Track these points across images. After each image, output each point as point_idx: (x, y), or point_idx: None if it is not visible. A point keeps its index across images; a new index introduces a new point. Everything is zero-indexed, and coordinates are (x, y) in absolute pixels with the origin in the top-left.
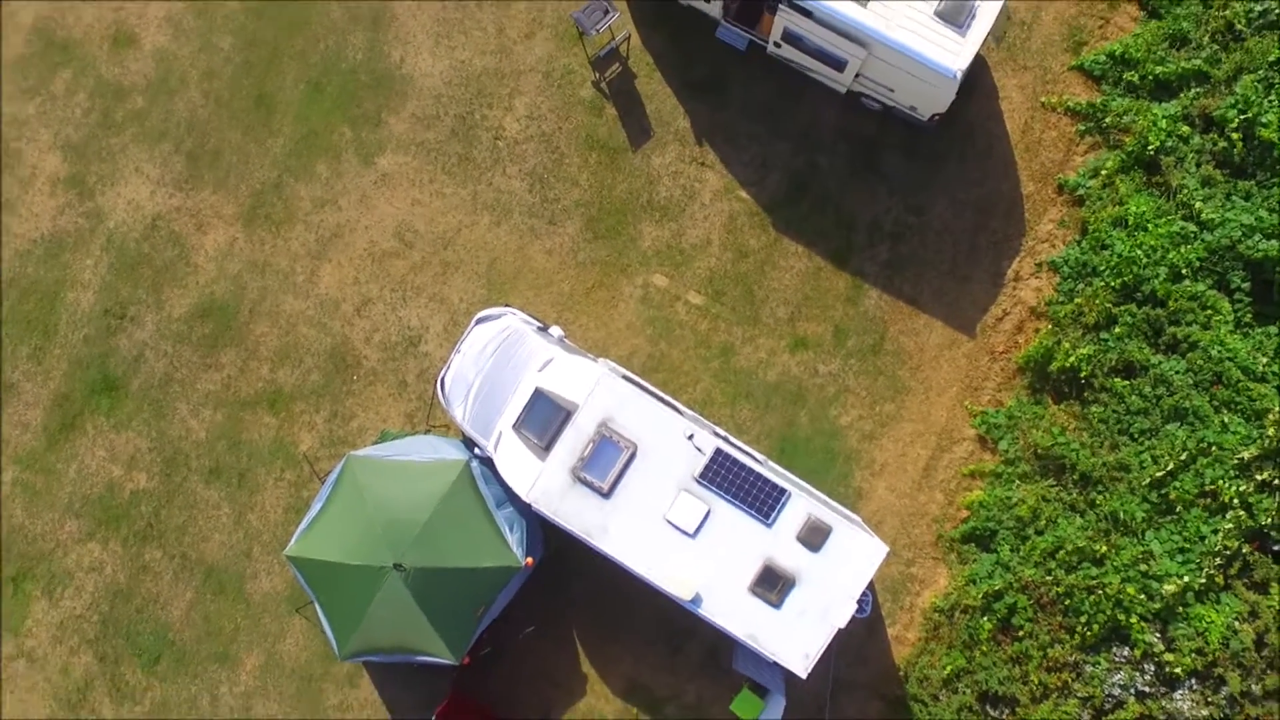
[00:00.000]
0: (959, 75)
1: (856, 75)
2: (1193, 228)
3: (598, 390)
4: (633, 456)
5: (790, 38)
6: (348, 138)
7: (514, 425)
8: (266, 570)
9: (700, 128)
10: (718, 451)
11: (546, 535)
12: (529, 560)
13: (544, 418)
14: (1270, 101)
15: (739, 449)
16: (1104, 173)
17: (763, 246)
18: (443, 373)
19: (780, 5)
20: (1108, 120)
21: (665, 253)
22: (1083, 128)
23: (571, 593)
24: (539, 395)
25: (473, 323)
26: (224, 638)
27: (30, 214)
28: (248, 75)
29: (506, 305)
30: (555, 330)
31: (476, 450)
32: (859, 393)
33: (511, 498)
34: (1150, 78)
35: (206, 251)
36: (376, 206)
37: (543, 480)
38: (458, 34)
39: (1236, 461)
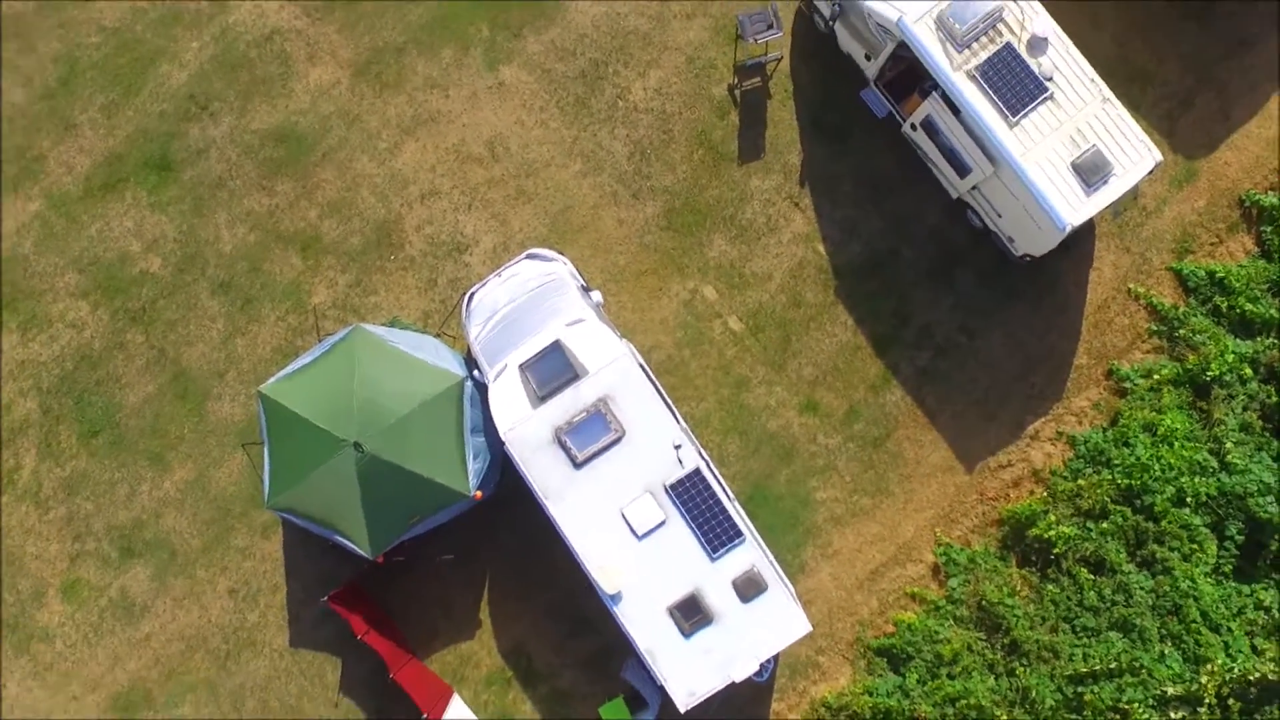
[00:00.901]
0: (1069, 229)
1: (973, 187)
2: (1214, 463)
3: (612, 367)
4: (616, 441)
5: (928, 126)
6: (483, 35)
7: (522, 364)
8: (232, 397)
9: (809, 170)
10: (696, 471)
11: (503, 477)
12: (478, 493)
13: (552, 370)
14: None
15: (715, 478)
16: (1156, 377)
17: (817, 304)
18: (476, 288)
19: (933, 93)
20: (1181, 332)
21: (726, 270)
22: (1155, 328)
23: (501, 540)
24: (557, 346)
25: (523, 255)
26: (166, 441)
27: None
28: None
29: (561, 253)
30: (596, 295)
31: (475, 373)
32: (844, 476)
33: (488, 430)
34: (1238, 311)
35: (307, 83)
36: (481, 110)
37: (526, 426)
38: None
39: (1159, 693)
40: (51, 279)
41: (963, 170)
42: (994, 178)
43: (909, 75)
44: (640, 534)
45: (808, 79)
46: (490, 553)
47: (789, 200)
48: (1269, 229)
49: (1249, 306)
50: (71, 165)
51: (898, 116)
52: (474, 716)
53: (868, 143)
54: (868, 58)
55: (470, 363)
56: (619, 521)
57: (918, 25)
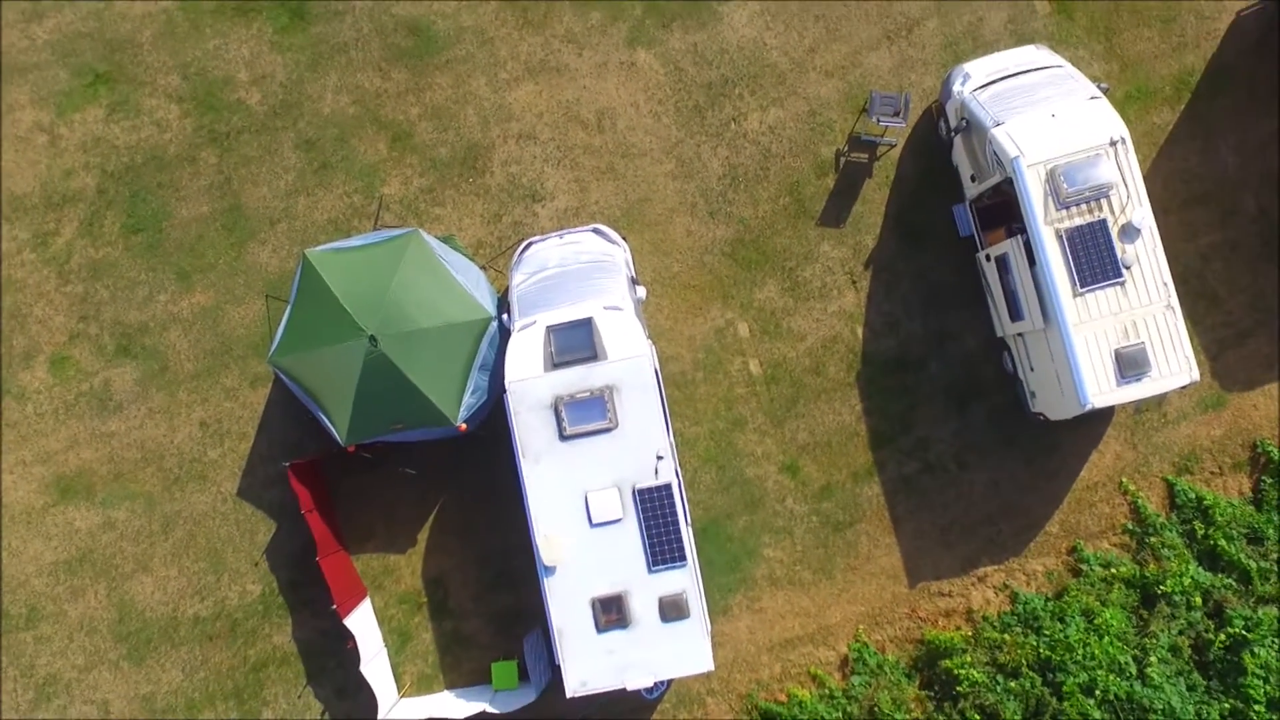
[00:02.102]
0: (1089, 407)
1: (1019, 334)
2: (1134, 670)
3: (630, 361)
4: (607, 430)
5: (1001, 262)
6: (635, 13)
7: (550, 325)
8: (275, 247)
9: (876, 257)
10: (667, 486)
11: (490, 419)
12: (462, 426)
13: (575, 342)
14: (1269, 646)
15: (681, 499)
16: (1113, 571)
17: (835, 379)
18: (536, 240)
19: (1018, 235)
20: (1152, 540)
21: (766, 315)
22: (1131, 526)
23: (464, 475)
24: (588, 323)
25: (589, 227)
26: (198, 263)
27: None
28: None
29: (624, 239)
30: (641, 291)
31: (504, 316)
32: (796, 544)
33: (495, 372)
34: (1211, 542)
35: None
36: (605, 80)
37: (530, 384)
38: (784, 22)
39: None
40: (155, 74)
41: (1016, 314)
42: (1041, 333)
43: (1002, 209)
44: (594, 522)
45: (910, 173)
46: (450, 482)
47: (848, 276)
48: (1269, 481)
49: (1223, 543)
50: None
51: (978, 241)
52: (375, 624)
53: (940, 253)
54: (973, 179)
55: (502, 304)
56: (579, 503)
57: (1030, 170)
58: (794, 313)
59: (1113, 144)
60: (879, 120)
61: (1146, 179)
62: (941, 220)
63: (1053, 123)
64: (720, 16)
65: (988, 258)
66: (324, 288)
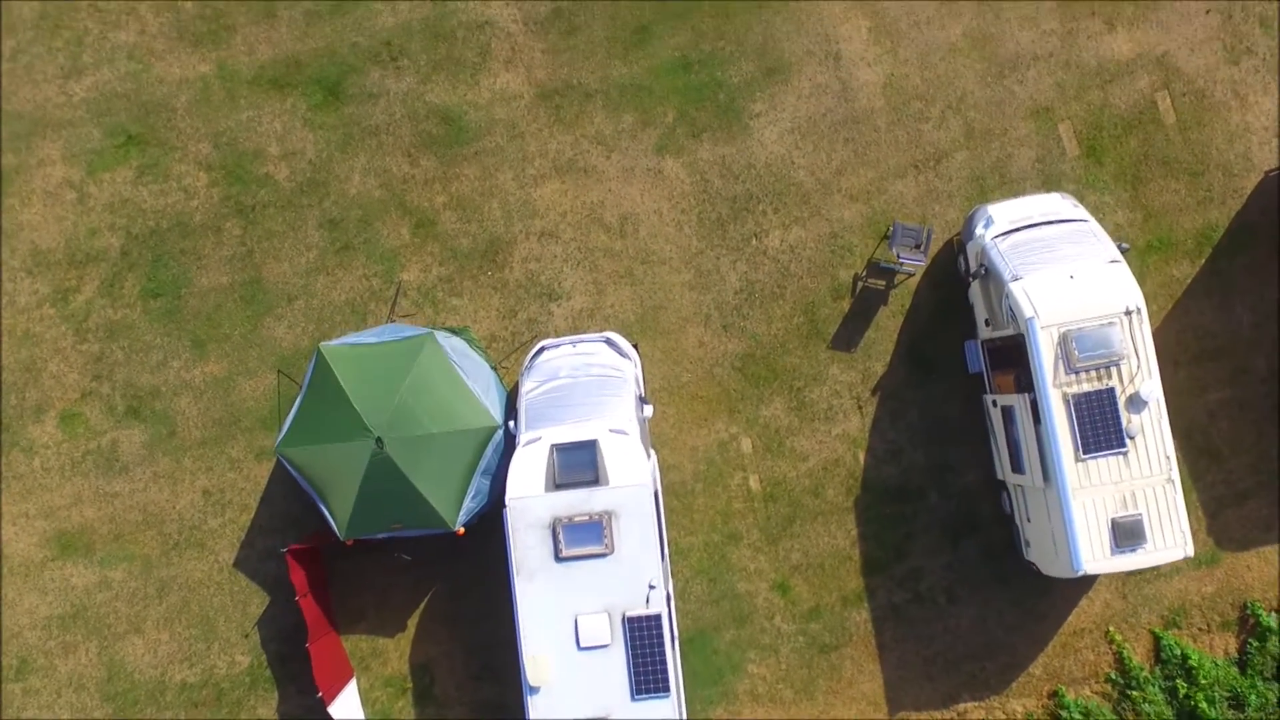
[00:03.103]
0: (1081, 574)
1: (1019, 485)
2: None
3: (631, 490)
4: (602, 556)
5: (1007, 415)
6: (666, 120)
7: (555, 444)
8: (290, 323)
9: (885, 384)
10: (658, 616)
11: (490, 514)
12: (460, 530)
13: (579, 464)
14: None
15: (671, 627)
16: (1091, 719)
17: (834, 503)
18: (550, 344)
19: (1027, 394)
20: (1134, 693)
21: (771, 433)
22: (1114, 676)
23: (460, 566)
24: (592, 446)
25: (603, 336)
26: (214, 332)
27: None
28: (657, 4)
29: (636, 347)
30: (649, 409)
31: (510, 422)
32: (781, 663)
33: (497, 476)
34: (1192, 702)
35: (493, 82)
36: (631, 184)
37: (531, 502)
38: (812, 141)
39: None
40: (186, 140)
41: (1018, 467)
42: (1041, 491)
43: (1013, 350)
44: (582, 645)
45: (925, 303)
46: (445, 571)
47: (855, 401)
48: (1255, 644)
49: (1203, 704)
50: (254, 49)
51: (986, 381)
52: (360, 706)
53: (948, 387)
54: (987, 323)
55: (510, 407)
56: (569, 625)
57: (1044, 332)
58: (798, 432)
59: (1128, 314)
60: (899, 256)
61: (1161, 330)
62: (953, 353)
63: (1070, 285)
64: (751, 131)
65: (994, 403)
66: (335, 384)
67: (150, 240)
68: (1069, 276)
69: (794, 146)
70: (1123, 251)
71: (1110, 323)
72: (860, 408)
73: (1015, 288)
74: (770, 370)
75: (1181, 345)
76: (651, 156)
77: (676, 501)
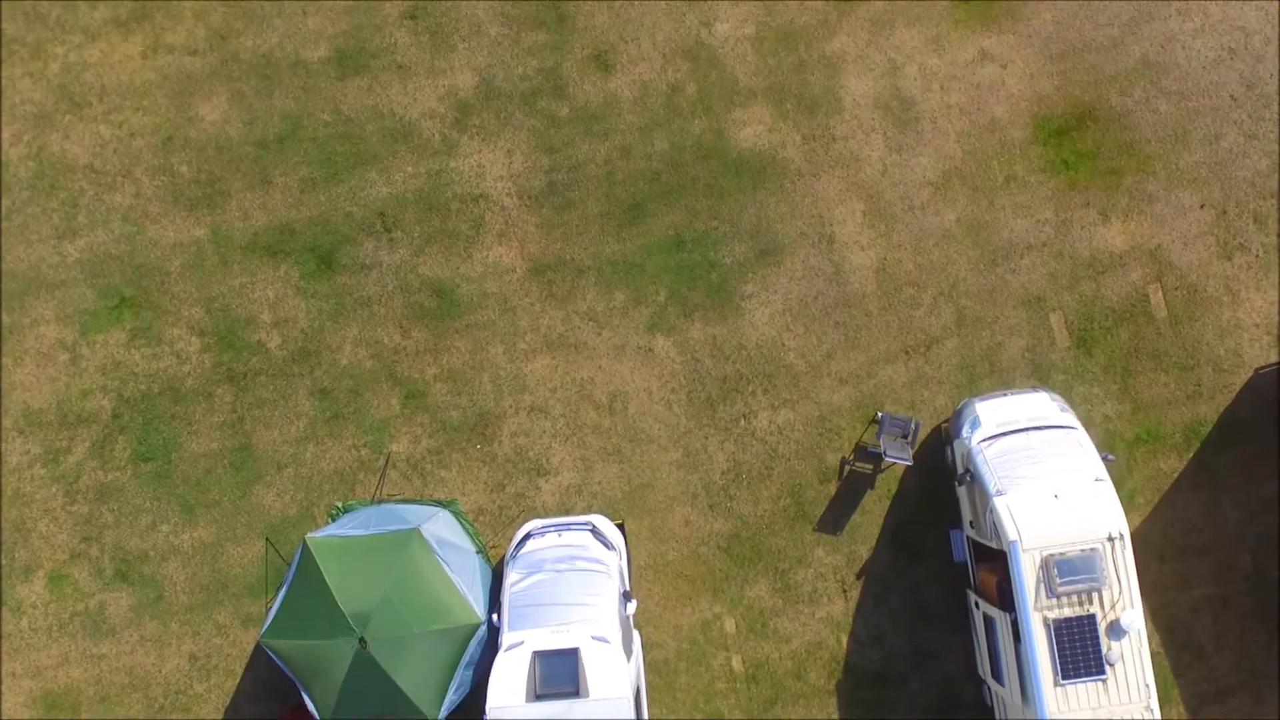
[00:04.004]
0: None
1: (998, 693)
2: None
3: (612, 703)
4: None
5: (988, 620)
6: (658, 299)
7: (537, 651)
8: (279, 491)
9: (870, 569)
10: None
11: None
12: None
13: (560, 674)
14: None
15: None
16: None
17: (815, 686)
18: (535, 530)
19: (1009, 613)
20: None
21: (755, 614)
22: None
23: None
24: (574, 655)
25: (589, 523)
26: (203, 498)
27: (415, 97)
28: (651, 182)
29: (622, 527)
30: (632, 606)
31: (494, 615)
32: None
33: (479, 668)
34: None
35: (486, 256)
36: (621, 362)
37: (512, 712)
38: (804, 323)
39: None
40: (180, 304)
41: (998, 677)
42: (1019, 708)
43: (999, 554)
44: None
45: (913, 488)
46: None
47: (839, 584)
48: None
49: None
50: (249, 216)
51: (970, 575)
52: None
53: (933, 574)
54: (971, 524)
55: (495, 587)
56: None
57: (1026, 555)
58: (782, 614)
59: (1111, 540)
60: (885, 454)
61: (1147, 523)
62: (939, 539)
63: (1054, 505)
64: (742, 312)
65: (977, 604)
66: (320, 579)
67: (142, 404)
68: (1053, 496)
69: (785, 328)
70: (1108, 463)
71: (1093, 549)
72: (845, 591)
73: (999, 504)
74: (756, 551)
75: (1167, 539)
76: (643, 334)
77: (659, 679)
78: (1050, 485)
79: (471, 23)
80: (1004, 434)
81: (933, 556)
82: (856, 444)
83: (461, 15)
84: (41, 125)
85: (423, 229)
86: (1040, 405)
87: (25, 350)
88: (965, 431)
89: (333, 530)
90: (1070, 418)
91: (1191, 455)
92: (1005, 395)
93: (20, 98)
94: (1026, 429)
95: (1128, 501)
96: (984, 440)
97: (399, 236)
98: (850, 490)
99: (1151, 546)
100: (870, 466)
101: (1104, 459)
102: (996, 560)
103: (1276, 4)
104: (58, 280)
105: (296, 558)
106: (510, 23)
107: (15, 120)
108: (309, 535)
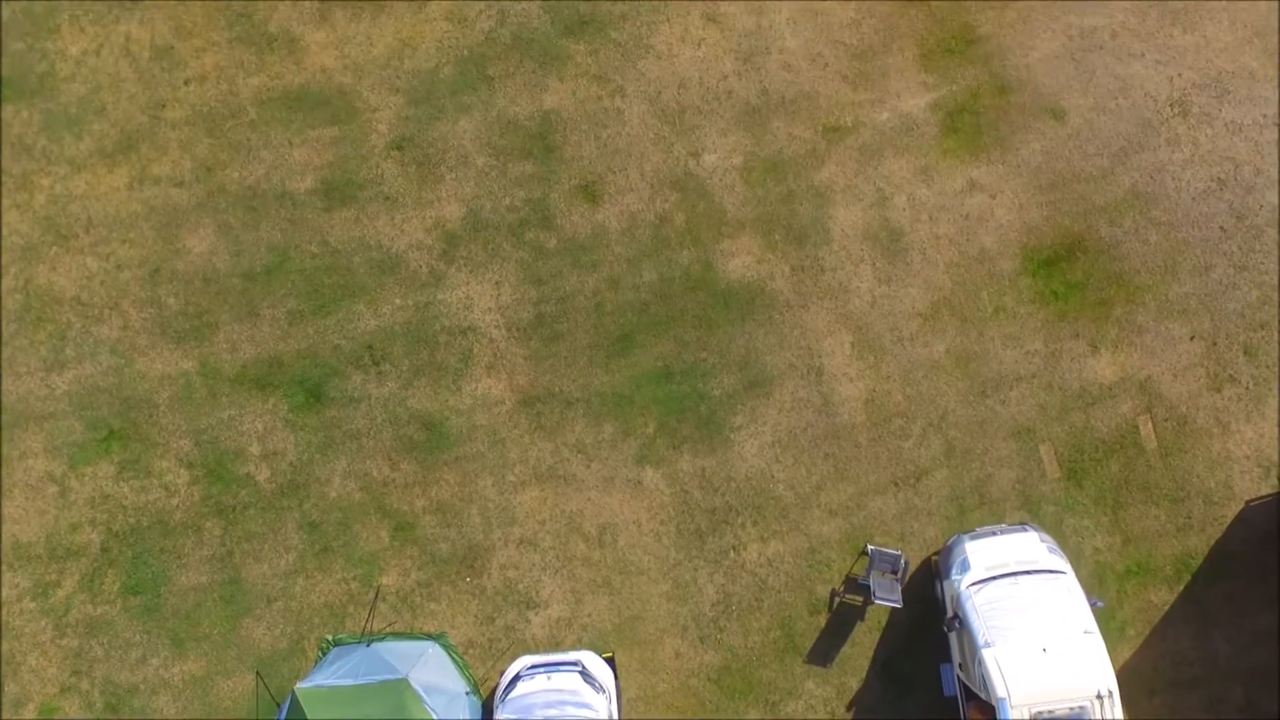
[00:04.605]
0: None
1: None
2: None
3: None
4: None
5: None
6: (647, 431)
7: None
8: (269, 625)
9: (859, 702)
10: None
11: None
12: None
13: None
14: None
15: None
16: None
17: None
18: (523, 671)
19: None
20: None
21: None
22: None
23: None
24: None
25: (578, 663)
26: (193, 631)
27: (403, 228)
28: (640, 313)
29: (611, 660)
30: None
31: None
32: None
33: None
34: None
35: (475, 388)
36: (611, 494)
37: None
38: (793, 455)
39: None
40: (168, 436)
41: None
42: None
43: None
44: None
45: (903, 621)
46: None
47: (830, 717)
48: None
49: None
50: (236, 348)
51: (961, 710)
52: None
53: (924, 707)
54: (961, 667)
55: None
56: None
57: (1015, 711)
58: None
59: (1099, 698)
60: (874, 595)
61: (1137, 656)
62: (928, 672)
63: (1043, 660)
64: (731, 444)
65: None
66: None
67: (131, 537)
68: (1042, 649)
69: (774, 460)
70: (1096, 609)
71: (1082, 707)
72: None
73: (988, 656)
74: (746, 683)
75: (1158, 672)
76: (631, 467)
77: None
78: (1039, 637)
79: (458, 153)
80: (993, 578)
81: (923, 690)
82: (846, 576)
83: (448, 146)
84: (28, 257)
85: (411, 362)
86: (1029, 546)
87: (14, 483)
88: (955, 574)
89: (322, 678)
90: (1059, 560)
91: (1182, 588)
92: (994, 534)
93: (7, 230)
94: (1015, 573)
95: (1118, 634)
96: (973, 585)
97: (387, 369)
98: (840, 622)
99: (1142, 679)
100: (860, 598)
101: (1093, 604)
102: (986, 704)
103: (1267, 134)
104: (46, 413)
105: (285, 708)
106: (497, 153)
107: (2, 253)
108: (298, 685)
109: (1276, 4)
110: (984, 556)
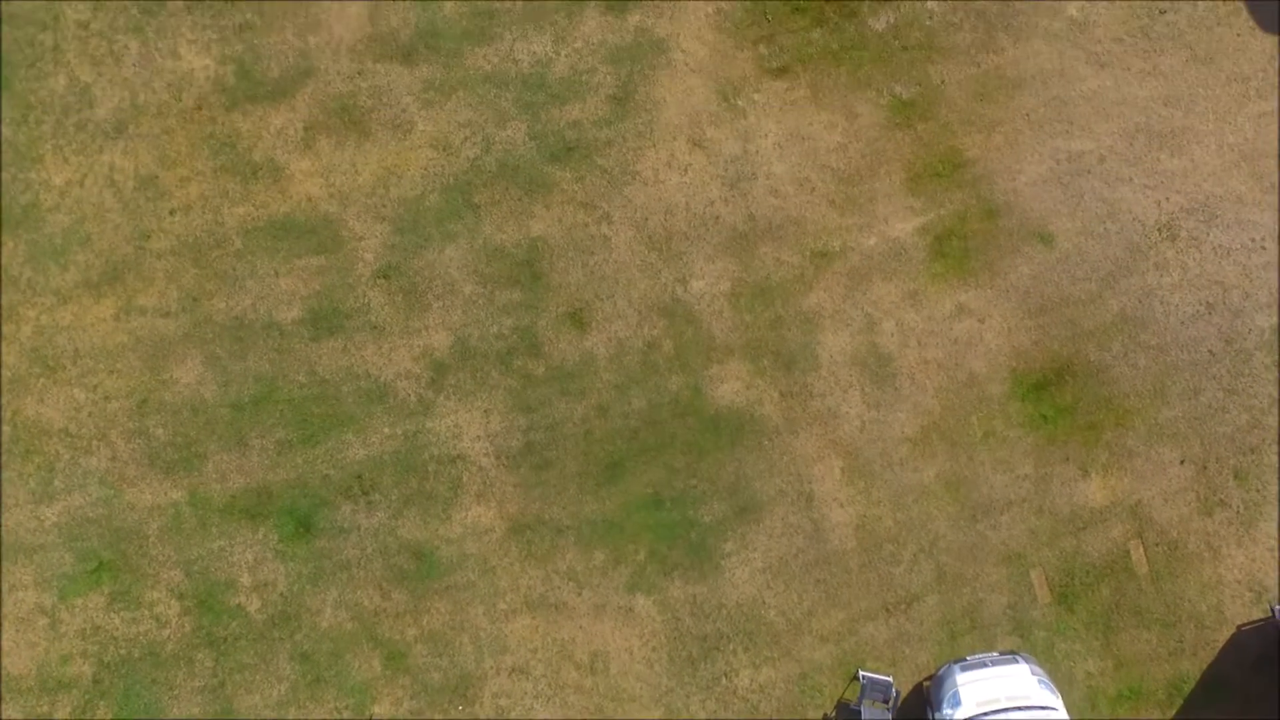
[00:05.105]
0: None
1: None
2: None
3: None
4: None
5: None
6: (638, 558)
7: None
8: None
9: None
10: None
11: None
12: None
13: None
14: None
15: None
16: None
17: None
18: None
19: None
20: None
21: None
22: None
23: None
24: None
25: None
26: None
27: (390, 357)
28: (629, 440)
29: None
30: None
31: None
32: None
33: None
34: None
35: (465, 517)
36: (602, 622)
37: None
38: (784, 581)
39: None
40: (159, 567)
41: None
42: None
43: None
44: None
45: None
46: None
47: None
48: None
49: None
50: (225, 478)
51: None
52: None
53: None
54: None
55: None
56: None
57: None
58: None
59: None
60: (861, 704)
61: None
62: None
63: None
64: (722, 570)
65: None
66: None
67: (122, 669)
68: None
69: (765, 586)
70: None
71: None
72: None
73: None
74: None
75: None
76: (623, 594)
77: None
78: None
79: (445, 281)
80: (984, 715)
81: None
82: (839, 701)
83: (435, 274)
84: (16, 389)
85: (401, 491)
86: (1020, 681)
87: (4, 616)
88: (946, 708)
89: None
90: (1050, 695)
91: (1174, 712)
92: (985, 665)
93: None
94: (1007, 709)
95: None
96: None
97: (377, 499)
98: None
99: None
100: None
101: None
102: None
103: (1255, 258)
104: (35, 544)
105: None
106: (484, 281)
107: None
108: None
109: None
110: (975, 691)
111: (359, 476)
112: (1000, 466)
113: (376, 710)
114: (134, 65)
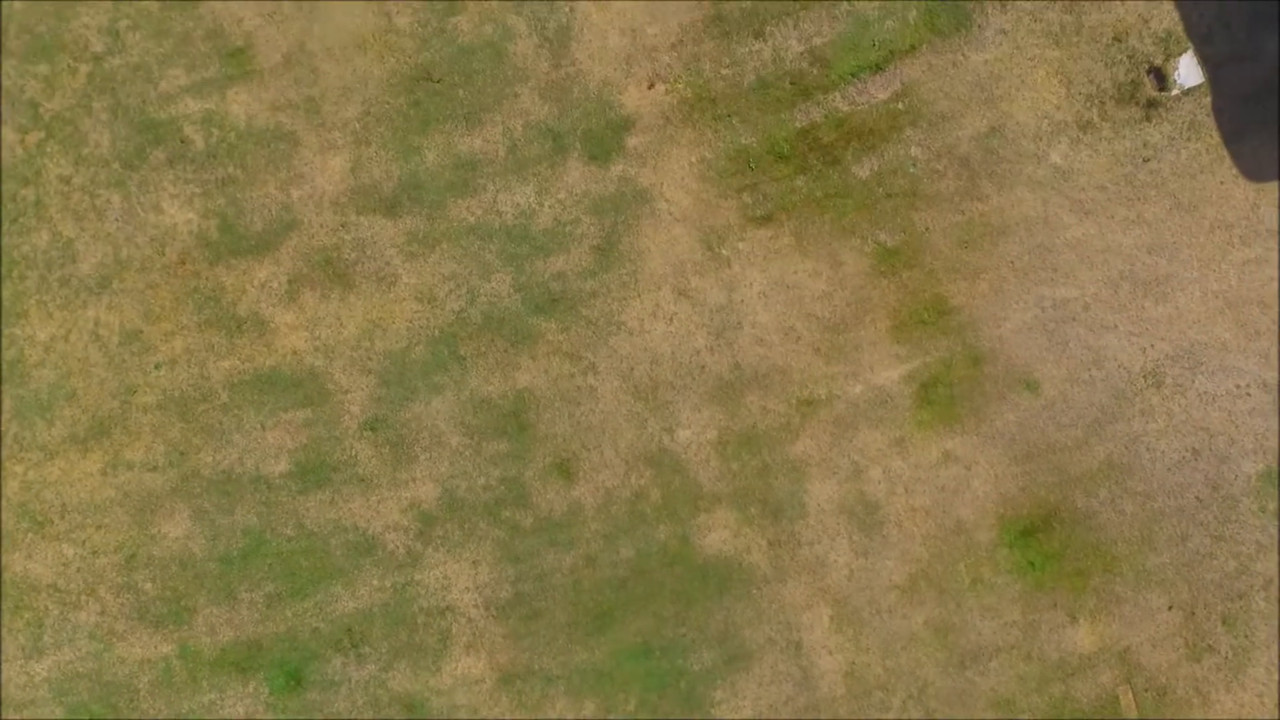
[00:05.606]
0: None
1: None
2: None
3: None
4: None
5: None
6: (628, 708)
7: None
8: None
9: None
10: None
11: None
12: None
13: None
14: None
15: None
16: None
17: None
18: None
19: None
20: None
21: None
22: None
23: None
24: None
25: None
26: None
27: (378, 509)
28: (618, 590)
29: None
30: None
31: None
32: None
33: None
34: None
35: (455, 668)
36: None
37: None
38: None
39: None
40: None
41: None
42: None
43: None
44: None
45: None
46: None
47: None
48: None
49: None
50: (215, 631)
51: None
52: None
53: None
54: None
55: None
56: None
57: None
58: None
59: None
60: None
61: None
62: None
63: None
64: (712, 719)
65: None
66: None
67: None
68: None
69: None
70: None
71: None
72: None
73: None
74: None
75: None
76: None
77: None
78: None
79: (432, 433)
80: None
81: None
82: None
83: (422, 426)
84: (4, 545)
85: (390, 643)
86: None
87: None
88: None
89: None
90: None
91: None
92: None
93: None
94: None
95: None
96: None
97: (367, 651)
98: None
99: None
100: None
101: None
102: None
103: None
104: (25, 700)
105: None
106: (471, 433)
107: None
108: None
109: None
110: None
111: (349, 629)
112: (988, 613)
113: None
114: (117, 220)
